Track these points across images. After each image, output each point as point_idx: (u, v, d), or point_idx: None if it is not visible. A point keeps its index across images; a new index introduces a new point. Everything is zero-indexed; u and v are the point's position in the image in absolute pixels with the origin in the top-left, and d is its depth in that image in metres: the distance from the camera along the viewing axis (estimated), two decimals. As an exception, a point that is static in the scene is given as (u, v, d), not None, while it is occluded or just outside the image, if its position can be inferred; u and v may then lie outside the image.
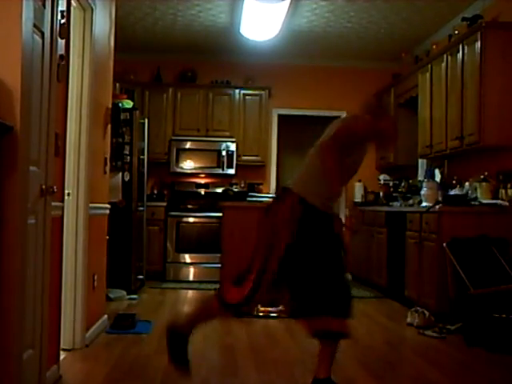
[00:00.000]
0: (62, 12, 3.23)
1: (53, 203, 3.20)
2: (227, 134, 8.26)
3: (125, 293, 6.32)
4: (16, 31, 2.61)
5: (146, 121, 7.32)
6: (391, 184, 8.04)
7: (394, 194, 7.57)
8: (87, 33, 4.18)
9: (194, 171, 8.29)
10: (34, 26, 2.78)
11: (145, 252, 7.30)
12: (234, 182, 8.42)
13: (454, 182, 6.15)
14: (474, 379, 3.74)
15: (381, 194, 8.06)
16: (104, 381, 3.44)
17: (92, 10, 4.21)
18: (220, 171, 8.23)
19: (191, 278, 7.75)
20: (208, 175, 8.41)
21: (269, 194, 7.58)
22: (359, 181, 8.40)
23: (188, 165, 8.24)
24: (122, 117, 6.50)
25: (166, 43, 7.96)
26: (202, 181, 8.46)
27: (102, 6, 4.58)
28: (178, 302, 6.31)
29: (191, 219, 7.89)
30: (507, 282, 4.58)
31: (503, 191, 5.33)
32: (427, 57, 6.91)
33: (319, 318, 3.02)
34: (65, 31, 3.35)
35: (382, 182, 8.21)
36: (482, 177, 5.55)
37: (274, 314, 5.28)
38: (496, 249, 4.82)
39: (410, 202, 6.73)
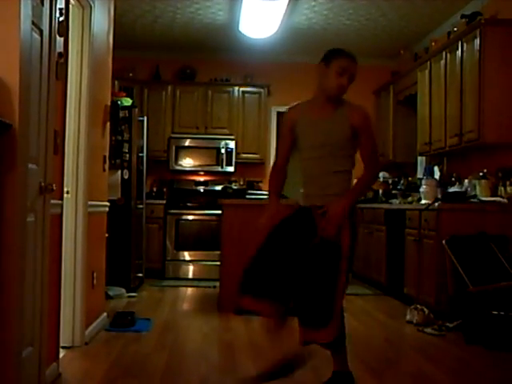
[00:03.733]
0: (60, 9, 3.23)
1: (52, 201, 3.20)
2: (226, 131, 8.26)
3: (124, 290, 6.32)
4: (14, 29, 2.61)
5: (145, 118, 7.32)
6: (390, 181, 8.04)
7: (393, 192, 7.58)
8: (86, 30, 4.18)
9: (193, 169, 8.28)
10: (33, 23, 2.77)
11: (144, 250, 7.29)
12: (233, 179, 8.42)
13: (453, 179, 6.15)
14: (473, 376, 3.75)
15: (380, 191, 8.05)
16: (103, 378, 3.45)
17: (91, 7, 4.21)
18: (219, 169, 8.23)
19: (190, 275, 7.75)
20: (207, 173, 8.41)
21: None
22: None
23: (187, 162, 8.23)
24: (120, 114, 6.50)
25: (165, 41, 7.95)
26: (201, 178, 8.46)
27: (101, 4, 4.57)
28: (177, 300, 6.31)
29: (190, 217, 7.89)
30: (506, 279, 4.58)
31: (502, 188, 5.33)
32: (426, 54, 6.90)
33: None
34: (63, 29, 3.35)
35: (381, 179, 8.21)
36: (481, 174, 5.55)
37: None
38: (495, 246, 4.82)
39: (409, 199, 6.73)
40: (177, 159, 8.19)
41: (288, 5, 6.14)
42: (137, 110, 6.89)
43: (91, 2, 4.19)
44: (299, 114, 3.22)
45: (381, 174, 8.23)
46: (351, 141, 3.08)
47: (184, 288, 7.07)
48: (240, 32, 7.06)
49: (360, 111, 3.12)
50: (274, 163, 3.38)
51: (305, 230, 3.07)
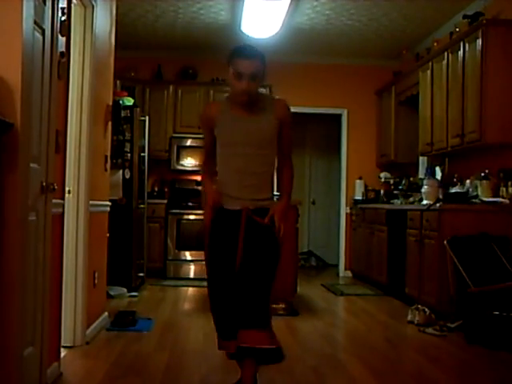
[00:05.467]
0: (62, 9, 3.23)
1: (53, 200, 3.20)
2: (228, 131, 8.24)
3: (125, 290, 6.33)
4: (17, 28, 2.61)
5: (147, 118, 7.32)
6: (392, 182, 8.04)
7: (395, 192, 7.58)
8: (88, 30, 4.18)
9: (194, 168, 8.27)
10: (35, 22, 2.78)
11: (145, 249, 7.30)
12: (234, 179, 8.40)
13: (454, 179, 6.15)
14: (475, 377, 3.75)
15: (381, 191, 8.06)
16: (104, 378, 3.45)
17: (93, 6, 4.21)
18: (221, 169, 8.21)
19: (192, 275, 7.76)
20: (209, 173, 8.39)
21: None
22: (360, 178, 8.40)
23: (189, 162, 8.23)
24: (122, 114, 6.50)
25: (167, 40, 7.95)
26: (203, 178, 8.44)
27: (103, 3, 4.57)
28: (178, 300, 6.31)
29: (192, 216, 7.88)
30: (508, 279, 4.58)
31: (504, 189, 5.32)
32: (428, 54, 6.89)
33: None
34: (65, 28, 3.35)
35: (382, 179, 8.22)
36: (482, 174, 5.55)
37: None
38: (496, 246, 4.82)
39: (411, 199, 6.73)
40: (178, 159, 8.19)
41: (290, 5, 6.14)
42: (138, 109, 6.89)
43: (93, 2, 4.20)
44: (219, 111, 3.13)
45: (382, 175, 8.24)
46: (277, 136, 3.05)
47: (185, 288, 7.07)
48: (242, 32, 7.06)
49: (283, 103, 3.18)
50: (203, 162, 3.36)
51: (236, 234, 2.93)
